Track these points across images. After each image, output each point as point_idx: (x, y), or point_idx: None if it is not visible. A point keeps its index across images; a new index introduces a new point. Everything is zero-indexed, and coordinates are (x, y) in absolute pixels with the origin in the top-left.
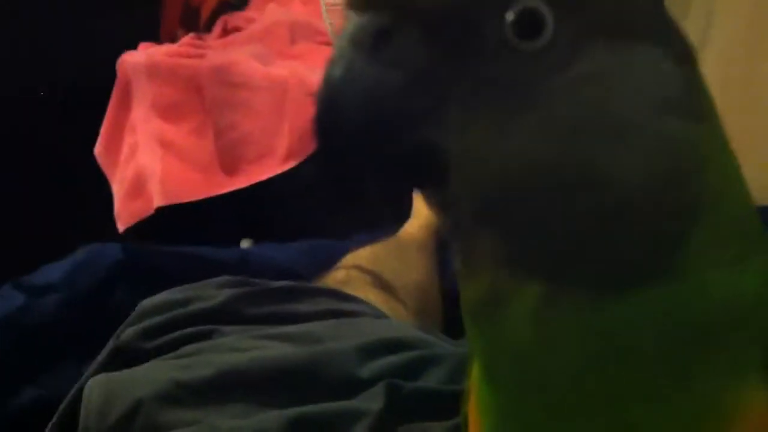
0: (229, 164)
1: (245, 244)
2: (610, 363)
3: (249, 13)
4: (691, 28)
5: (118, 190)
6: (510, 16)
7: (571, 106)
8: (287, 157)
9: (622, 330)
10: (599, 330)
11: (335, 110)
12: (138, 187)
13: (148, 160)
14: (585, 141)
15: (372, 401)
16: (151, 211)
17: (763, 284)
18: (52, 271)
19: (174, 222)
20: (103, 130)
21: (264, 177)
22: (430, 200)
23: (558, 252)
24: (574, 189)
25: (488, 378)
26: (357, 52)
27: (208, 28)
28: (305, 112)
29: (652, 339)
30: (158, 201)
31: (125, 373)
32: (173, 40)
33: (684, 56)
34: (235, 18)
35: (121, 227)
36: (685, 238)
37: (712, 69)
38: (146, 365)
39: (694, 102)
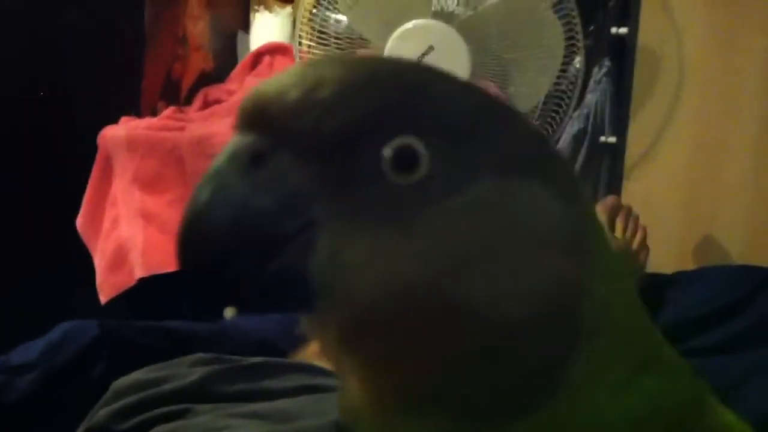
0: None
1: (229, 313)
2: None
3: (229, 85)
4: (664, 87)
5: (99, 262)
6: (387, 152)
7: (444, 237)
8: None
9: None
10: None
11: (199, 228)
12: (120, 259)
13: (129, 232)
14: (456, 274)
15: None
16: (133, 283)
17: (645, 402)
18: (29, 350)
19: (157, 293)
20: (84, 203)
21: None
22: (308, 323)
23: (437, 384)
24: (447, 322)
25: None
26: (231, 171)
27: (189, 101)
28: None
29: None
30: (139, 272)
31: None
32: (154, 113)
33: (569, 193)
34: (215, 90)
35: (103, 299)
36: (567, 368)
37: (685, 128)
38: None
39: (576, 237)
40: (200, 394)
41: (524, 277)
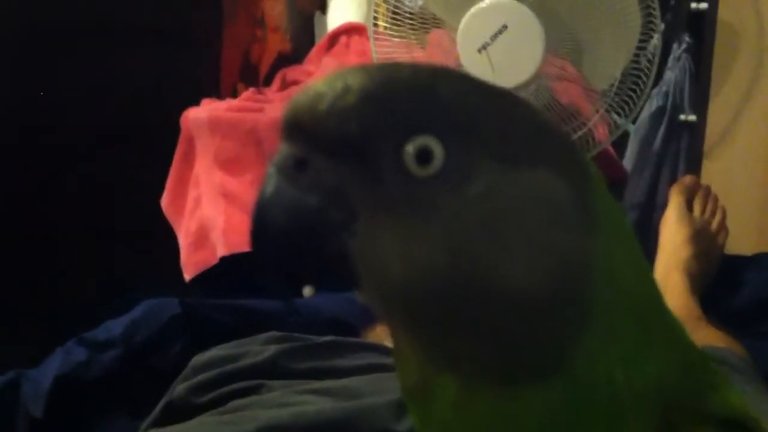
0: None
1: (307, 291)
2: None
3: (307, 66)
4: (744, 64)
5: (183, 240)
6: (410, 148)
7: (462, 222)
8: None
9: (525, 420)
10: (507, 419)
11: (264, 226)
12: (202, 238)
13: (211, 211)
14: (474, 253)
15: None
16: (215, 261)
17: (657, 376)
18: (113, 327)
19: (238, 271)
20: (168, 183)
21: None
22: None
23: (462, 350)
24: (467, 296)
25: None
26: (281, 176)
27: (268, 82)
28: None
29: (549, 429)
30: (221, 251)
31: (175, 428)
32: (234, 94)
33: (573, 172)
34: (293, 71)
35: (187, 277)
36: (578, 339)
37: (765, 106)
38: (195, 420)
39: (585, 218)
40: (273, 370)
41: (534, 255)
